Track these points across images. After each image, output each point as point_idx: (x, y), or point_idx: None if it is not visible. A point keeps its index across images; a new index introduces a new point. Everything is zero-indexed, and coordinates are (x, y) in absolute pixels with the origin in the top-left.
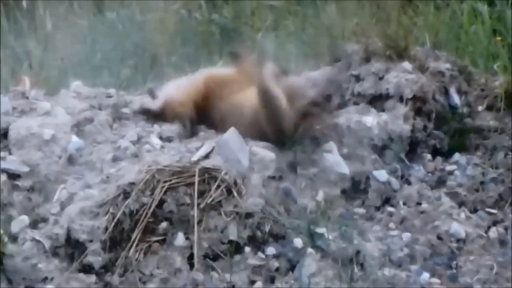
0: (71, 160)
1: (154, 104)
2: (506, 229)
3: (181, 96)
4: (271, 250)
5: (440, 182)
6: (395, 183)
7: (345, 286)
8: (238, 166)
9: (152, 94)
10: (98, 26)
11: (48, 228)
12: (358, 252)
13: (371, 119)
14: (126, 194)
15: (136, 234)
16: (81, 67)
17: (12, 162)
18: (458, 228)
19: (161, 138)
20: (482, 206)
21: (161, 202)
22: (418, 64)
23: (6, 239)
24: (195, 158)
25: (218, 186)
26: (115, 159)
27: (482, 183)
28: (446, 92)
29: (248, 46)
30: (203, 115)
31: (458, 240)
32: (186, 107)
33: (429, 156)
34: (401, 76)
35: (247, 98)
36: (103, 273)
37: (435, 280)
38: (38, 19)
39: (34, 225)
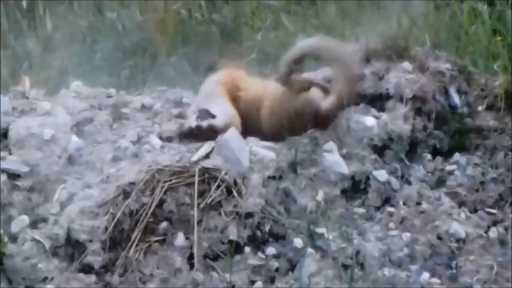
0: (71, 160)
1: (218, 122)
2: (506, 229)
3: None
4: (271, 250)
5: (440, 182)
6: (395, 183)
7: (345, 286)
8: (238, 166)
9: (207, 114)
10: (98, 26)
11: (48, 228)
12: (358, 252)
13: (371, 119)
14: (126, 194)
15: (136, 234)
16: (81, 67)
17: (12, 162)
18: (458, 228)
19: (161, 138)
20: (482, 206)
21: (161, 202)
22: (418, 64)
23: (6, 239)
24: (195, 158)
25: (218, 186)
26: (115, 159)
27: (482, 183)
28: (446, 92)
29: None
30: None
31: (458, 240)
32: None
33: (429, 156)
34: (401, 76)
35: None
36: (103, 273)
37: (435, 280)
38: (38, 19)
39: (34, 225)
